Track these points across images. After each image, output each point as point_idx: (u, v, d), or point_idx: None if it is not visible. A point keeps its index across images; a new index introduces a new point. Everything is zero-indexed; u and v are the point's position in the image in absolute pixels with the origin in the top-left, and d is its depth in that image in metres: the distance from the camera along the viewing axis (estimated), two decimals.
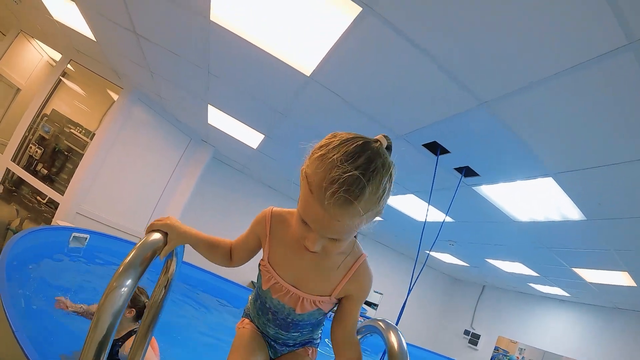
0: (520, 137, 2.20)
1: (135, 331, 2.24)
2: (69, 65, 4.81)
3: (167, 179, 5.65)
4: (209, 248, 1.05)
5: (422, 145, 2.76)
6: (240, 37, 2.36)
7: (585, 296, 5.38)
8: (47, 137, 5.05)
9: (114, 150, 4.78)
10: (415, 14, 1.63)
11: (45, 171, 4.92)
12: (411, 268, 7.90)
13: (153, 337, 1.12)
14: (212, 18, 2.29)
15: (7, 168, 4.62)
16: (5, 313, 1.56)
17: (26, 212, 4.76)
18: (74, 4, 3.00)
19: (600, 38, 1.39)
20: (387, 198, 0.72)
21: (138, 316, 2.28)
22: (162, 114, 5.22)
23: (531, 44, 1.54)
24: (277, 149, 4.50)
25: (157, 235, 0.87)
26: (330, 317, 1.00)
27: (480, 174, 2.84)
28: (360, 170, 0.65)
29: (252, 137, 4.44)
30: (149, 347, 1.26)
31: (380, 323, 0.96)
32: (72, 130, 5.10)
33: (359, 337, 1.01)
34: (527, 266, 4.95)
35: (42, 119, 4.99)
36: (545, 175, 2.50)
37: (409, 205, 4.32)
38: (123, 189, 5.06)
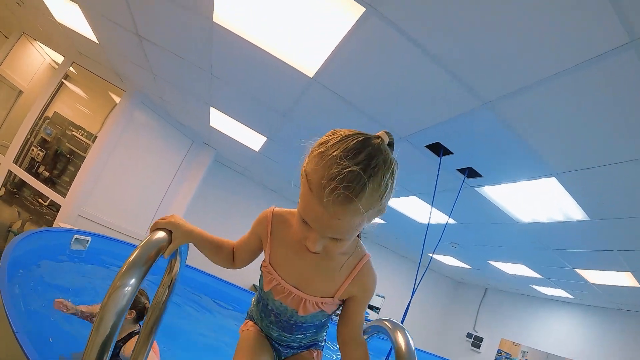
0: (523, 137, 2.20)
1: (136, 332, 2.23)
2: (71, 68, 4.83)
3: (169, 181, 5.65)
4: (213, 248, 1.03)
5: (425, 146, 2.75)
6: (243, 39, 2.36)
7: (588, 298, 5.36)
8: (49, 139, 5.05)
9: (116, 153, 4.78)
10: (419, 14, 1.63)
11: (47, 174, 4.92)
12: (413, 271, 7.96)
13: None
14: (215, 19, 2.29)
15: (9, 170, 4.62)
16: (7, 314, 1.55)
17: (27, 215, 4.76)
18: (76, 6, 3.01)
19: (602, 36, 1.39)
20: (390, 196, 0.70)
21: (138, 318, 2.28)
22: (164, 116, 5.22)
23: (533, 43, 1.54)
24: (279, 151, 4.49)
25: (161, 234, 0.85)
26: (334, 321, 0.99)
27: (483, 174, 2.83)
28: (360, 166, 0.63)
29: (254, 140, 4.43)
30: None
31: (387, 323, 0.95)
32: (74, 133, 5.10)
33: (365, 337, 0.99)
34: (530, 268, 4.93)
35: (44, 121, 4.99)
36: (549, 175, 2.49)
37: (412, 207, 4.30)
38: (125, 191, 5.06)
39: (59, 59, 5.01)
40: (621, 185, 2.30)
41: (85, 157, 4.68)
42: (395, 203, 4.36)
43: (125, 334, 2.20)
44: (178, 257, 0.99)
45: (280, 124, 3.55)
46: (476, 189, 3.11)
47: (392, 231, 5.95)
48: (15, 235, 3.34)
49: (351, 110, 2.68)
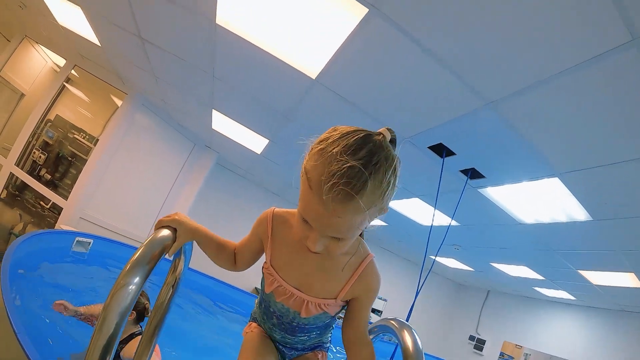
0: (526, 137, 2.19)
1: (137, 334, 2.22)
2: (73, 71, 4.84)
3: (170, 184, 5.65)
4: (216, 248, 1.01)
5: (428, 147, 2.74)
6: (245, 40, 2.36)
7: (591, 299, 5.33)
8: (50, 142, 5.06)
9: (118, 156, 4.79)
10: (421, 15, 1.64)
11: (49, 176, 4.92)
12: (415, 274, 7.95)
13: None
14: (218, 21, 2.29)
15: (10, 172, 4.62)
16: (8, 315, 1.55)
17: (29, 217, 4.76)
18: (79, 9, 3.02)
19: (603, 35, 1.39)
20: (392, 194, 0.69)
21: (138, 319, 2.26)
22: (166, 119, 5.23)
23: (535, 42, 1.54)
24: (281, 153, 4.49)
25: (165, 232, 0.84)
26: (339, 325, 0.97)
27: (486, 175, 2.82)
28: (361, 162, 0.62)
29: (256, 142, 4.43)
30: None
31: (393, 322, 0.93)
32: (75, 136, 5.12)
33: (371, 337, 0.98)
34: (532, 270, 4.91)
35: (46, 124, 5.01)
36: (552, 175, 2.48)
37: (414, 209, 4.29)
38: (127, 194, 5.06)
39: (61, 62, 5.02)
40: (624, 184, 2.30)
41: (87, 160, 4.68)
42: (398, 205, 4.35)
43: (126, 336, 2.19)
44: (182, 257, 0.97)
45: (282, 126, 3.55)
46: (479, 190, 3.10)
47: (394, 234, 5.94)
48: (17, 237, 3.34)
49: (354, 112, 2.67)
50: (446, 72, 1.91)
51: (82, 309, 2.39)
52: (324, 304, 0.90)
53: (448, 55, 1.81)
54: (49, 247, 3.12)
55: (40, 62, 5.73)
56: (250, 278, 6.51)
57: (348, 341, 0.92)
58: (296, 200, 0.72)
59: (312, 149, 0.69)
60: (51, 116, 5.09)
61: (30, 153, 4.92)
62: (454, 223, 4.11)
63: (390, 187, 0.66)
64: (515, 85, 1.82)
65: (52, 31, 4.13)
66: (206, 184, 6.08)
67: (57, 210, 4.61)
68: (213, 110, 4.03)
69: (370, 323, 1.00)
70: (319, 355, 1.09)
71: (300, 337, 1.01)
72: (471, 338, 7.42)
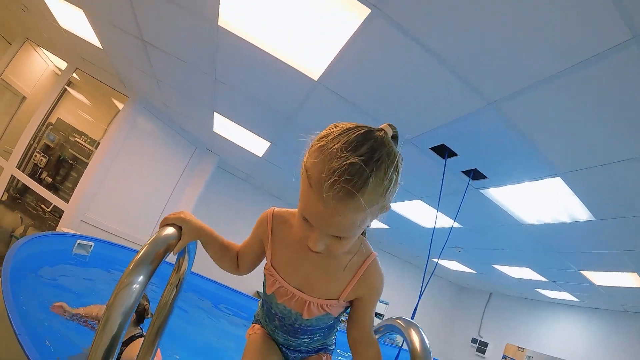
0: (528, 137, 2.19)
1: (137, 336, 2.20)
2: (74, 74, 4.85)
3: (172, 188, 5.64)
4: (220, 249, 0.99)
5: (430, 148, 2.74)
6: (248, 42, 2.36)
7: (593, 300, 5.31)
8: (52, 145, 5.07)
9: (119, 159, 4.79)
10: (423, 15, 1.64)
11: (50, 179, 4.92)
12: (417, 277, 7.93)
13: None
14: (220, 23, 2.29)
15: (11, 175, 4.62)
16: (9, 317, 1.54)
17: (30, 220, 4.76)
18: (81, 12, 3.02)
19: (604, 33, 1.40)
20: (394, 191, 0.67)
21: (138, 320, 2.25)
22: (168, 122, 5.23)
23: (536, 42, 1.55)
24: (282, 156, 4.49)
25: (170, 230, 0.82)
26: (342, 329, 0.96)
27: (488, 176, 2.81)
28: (362, 159, 0.60)
29: (257, 145, 4.43)
30: None
31: (399, 321, 0.93)
32: (77, 139, 5.12)
33: (377, 336, 0.97)
34: (535, 271, 4.89)
35: (47, 127, 5.01)
36: (554, 175, 2.47)
37: (416, 211, 4.28)
38: (128, 197, 5.05)
39: (63, 65, 5.03)
40: (626, 183, 2.29)
41: (88, 163, 4.68)
42: (399, 207, 4.34)
43: (126, 338, 2.17)
44: (186, 256, 0.96)
45: (284, 129, 3.55)
46: (481, 191, 3.10)
47: (395, 236, 5.92)
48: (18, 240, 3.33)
49: (356, 113, 2.67)
50: (448, 72, 1.92)
51: (80, 311, 2.39)
52: (326, 305, 0.89)
53: (450, 55, 1.81)
54: (50, 250, 3.11)
55: (41, 65, 5.75)
56: (253, 282, 6.50)
57: (353, 341, 0.91)
58: (297, 203, 0.71)
59: (312, 146, 0.68)
60: (52, 119, 5.10)
61: (31, 156, 4.92)
62: (456, 225, 4.10)
63: (392, 185, 0.65)
64: (517, 85, 1.83)
65: (54, 34, 4.14)
66: (207, 187, 6.08)
67: (58, 213, 4.61)
68: (214, 113, 4.03)
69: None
70: (324, 358, 1.07)
71: (303, 339, 1.00)
72: (473, 341, 7.39)
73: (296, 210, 0.74)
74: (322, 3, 1.83)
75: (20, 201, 5.02)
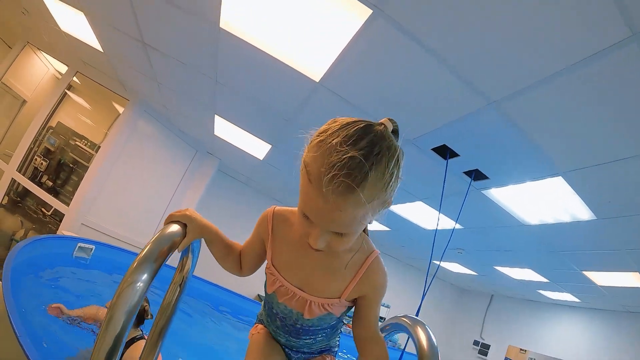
0: (529, 136, 2.19)
1: (137, 338, 2.18)
2: (74, 78, 4.86)
3: (172, 191, 5.64)
4: (224, 248, 0.98)
5: (431, 149, 2.74)
6: (249, 44, 2.37)
7: (595, 301, 5.30)
8: (52, 149, 5.07)
9: (120, 163, 4.78)
10: (424, 15, 1.65)
11: (50, 183, 4.91)
12: (419, 279, 7.90)
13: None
14: (221, 25, 2.30)
15: (12, 178, 4.62)
16: (10, 319, 1.53)
17: (30, 224, 4.75)
18: (82, 14, 3.03)
19: (603, 31, 1.40)
20: (396, 186, 0.66)
21: (138, 322, 2.23)
22: (168, 126, 5.23)
23: (536, 41, 1.55)
24: (283, 159, 4.48)
25: (175, 227, 0.81)
26: (346, 334, 0.95)
27: (489, 176, 2.81)
28: (362, 152, 0.59)
29: (258, 148, 4.42)
30: None
31: (405, 319, 0.92)
32: (77, 143, 5.12)
33: (382, 334, 0.95)
34: (536, 272, 4.88)
35: (47, 131, 5.01)
36: (555, 174, 2.47)
37: (417, 213, 4.28)
38: (129, 201, 5.05)
39: (63, 68, 5.04)
40: (628, 181, 2.29)
41: (88, 167, 4.68)
42: (401, 209, 4.34)
43: (127, 340, 2.15)
44: (190, 255, 0.95)
45: (285, 131, 3.55)
46: (482, 191, 3.09)
47: (396, 238, 5.91)
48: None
49: (357, 114, 2.63)
50: (449, 72, 1.92)
51: (77, 312, 2.38)
52: (328, 304, 0.87)
53: (450, 55, 1.82)
54: (51, 253, 3.11)
55: (42, 68, 5.76)
56: (255, 284, 6.48)
57: (359, 339, 0.90)
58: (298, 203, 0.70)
59: (311, 141, 0.67)
60: (53, 123, 5.10)
61: (31, 160, 4.92)
62: (457, 226, 4.09)
63: (393, 179, 0.64)
64: (517, 85, 1.83)
65: (54, 37, 4.15)
66: (208, 191, 6.07)
67: (58, 217, 4.60)
68: (215, 115, 4.03)
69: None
70: (328, 359, 1.06)
71: (305, 340, 0.99)
72: (475, 343, 7.37)
73: (297, 208, 0.73)
74: (324, 4, 1.83)
75: (20, 205, 5.01)
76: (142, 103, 4.75)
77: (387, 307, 7.71)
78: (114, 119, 5.03)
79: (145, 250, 0.71)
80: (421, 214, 4.27)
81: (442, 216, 3.89)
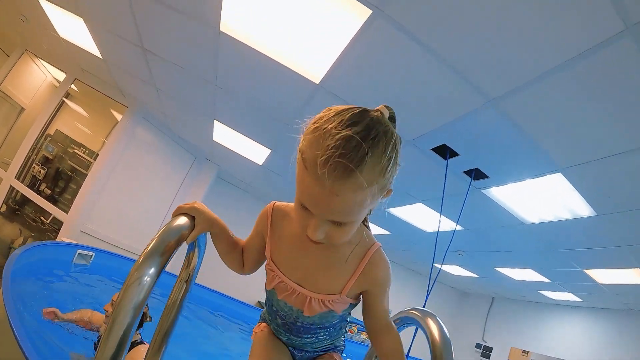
0: (527, 133, 2.20)
1: (137, 342, 2.15)
2: (72, 86, 4.86)
3: (171, 198, 5.63)
4: (230, 244, 0.96)
5: (431, 149, 2.75)
6: (249, 47, 2.38)
7: (597, 300, 5.29)
8: (50, 157, 5.06)
9: (118, 170, 4.78)
10: (422, 14, 1.66)
11: (49, 191, 4.90)
12: (420, 283, 7.86)
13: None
14: (222, 28, 2.30)
15: (10, 186, 4.60)
16: (10, 322, 1.52)
17: (29, 232, 4.72)
18: (81, 20, 3.03)
19: (598, 26, 1.42)
20: (394, 172, 0.65)
21: (137, 325, 2.20)
22: (167, 132, 5.24)
23: (532, 37, 1.57)
24: (283, 163, 4.48)
25: (183, 219, 0.79)
26: (350, 339, 0.93)
27: (489, 175, 2.82)
28: (359, 136, 0.58)
29: (257, 153, 4.42)
30: None
31: (415, 312, 0.91)
32: (75, 151, 5.11)
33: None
34: (537, 272, 4.88)
35: (45, 139, 5.00)
36: (554, 171, 2.48)
37: (418, 215, 4.28)
38: (128, 208, 5.03)
39: (61, 76, 5.05)
40: (626, 176, 2.29)
41: (87, 175, 4.66)
42: (401, 212, 4.33)
43: None
44: (196, 250, 0.93)
45: (284, 135, 3.54)
46: (482, 190, 3.10)
47: (397, 242, 5.89)
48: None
49: None
50: (448, 71, 1.93)
51: (71, 315, 2.36)
52: (329, 301, 0.85)
53: (449, 53, 1.83)
54: (50, 259, 3.08)
55: (40, 76, 5.76)
56: (258, 290, 6.43)
57: (371, 332, 0.90)
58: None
59: (306, 129, 0.66)
60: (51, 131, 5.09)
61: (30, 168, 4.90)
62: (458, 227, 4.08)
63: (391, 164, 0.62)
64: (515, 82, 1.84)
65: (53, 44, 4.15)
66: (207, 197, 6.05)
67: (57, 225, 4.58)
68: (215, 121, 4.03)
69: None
70: (335, 357, 1.04)
71: (307, 338, 0.97)
72: (478, 346, 7.33)
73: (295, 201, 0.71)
74: (324, 5, 1.85)
75: (19, 213, 4.98)
76: (140, 110, 4.75)
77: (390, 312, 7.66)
78: (112, 126, 5.03)
79: (153, 243, 0.68)
80: (421, 216, 4.27)
81: (442, 218, 3.89)
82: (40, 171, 4.91)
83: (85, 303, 3.13)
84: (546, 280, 5.06)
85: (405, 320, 0.96)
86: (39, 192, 4.76)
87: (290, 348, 1.03)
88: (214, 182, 6.15)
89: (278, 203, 0.93)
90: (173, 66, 3.13)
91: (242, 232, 0.95)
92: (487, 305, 7.69)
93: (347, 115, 0.61)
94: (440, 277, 7.45)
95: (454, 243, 4.52)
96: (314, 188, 0.61)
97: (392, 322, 0.90)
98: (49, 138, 5.05)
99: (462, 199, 3.05)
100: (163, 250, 0.69)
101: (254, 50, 2.39)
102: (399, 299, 7.55)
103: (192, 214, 0.84)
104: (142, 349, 2.12)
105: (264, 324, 1.08)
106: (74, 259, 3.39)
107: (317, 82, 2.47)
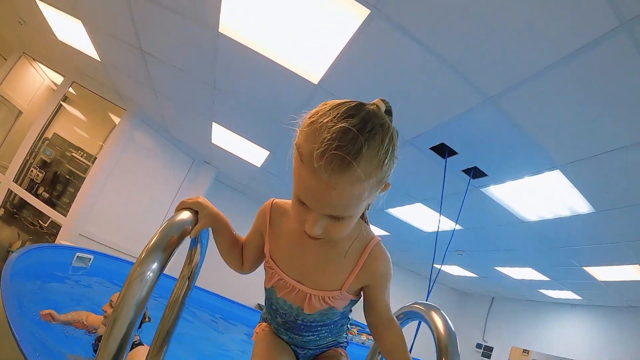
0: (525, 130, 2.21)
1: (136, 344, 2.14)
2: (70, 89, 4.85)
3: (170, 201, 5.61)
4: (231, 241, 0.96)
5: (430, 148, 2.76)
6: (248, 48, 2.38)
7: (597, 297, 5.30)
8: (48, 160, 5.04)
9: (117, 173, 4.77)
10: (421, 13, 1.67)
11: (47, 195, 4.88)
12: (419, 285, 7.85)
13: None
14: (220, 30, 2.31)
15: (8, 189, 4.58)
16: (10, 325, 1.51)
17: (27, 235, 4.70)
18: (80, 23, 3.03)
19: (593, 22, 1.43)
20: (392, 165, 0.64)
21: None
22: (165, 135, 5.23)
23: (528, 35, 1.58)
24: (281, 165, 4.46)
25: (186, 214, 0.78)
26: (355, 337, 0.92)
27: (488, 173, 2.83)
28: (355, 128, 0.57)
29: (256, 155, 4.42)
30: None
31: (418, 306, 0.90)
32: (73, 154, 5.10)
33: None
34: (537, 270, 4.88)
35: (43, 142, 4.99)
36: (553, 167, 2.49)
37: (417, 215, 4.28)
38: (126, 211, 5.02)
39: (59, 79, 5.04)
40: (623, 172, 2.30)
41: (85, 178, 4.65)
42: (400, 212, 4.34)
43: None
44: (198, 246, 0.92)
45: (283, 136, 3.55)
46: (481, 189, 3.10)
47: (396, 243, 5.89)
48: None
49: None
50: (446, 69, 1.94)
51: (68, 316, 2.35)
52: (329, 297, 0.84)
53: (447, 52, 1.84)
54: (49, 262, 3.07)
55: (37, 79, 5.75)
56: (257, 291, 6.42)
57: (372, 327, 0.89)
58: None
59: (302, 124, 0.66)
60: (49, 134, 5.08)
61: (27, 171, 4.89)
62: (457, 227, 4.08)
63: (388, 157, 0.62)
64: (512, 79, 1.86)
65: (51, 47, 4.15)
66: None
67: (55, 228, 4.56)
68: (213, 123, 4.03)
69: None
70: (341, 352, 1.03)
71: (308, 336, 0.96)
72: (478, 346, 7.32)
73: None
74: (322, 5, 1.85)
75: (17, 216, 4.96)
76: (138, 112, 4.75)
77: None
78: (110, 129, 5.01)
79: (155, 238, 0.67)
80: (421, 216, 4.27)
81: (442, 217, 3.89)
82: (38, 175, 4.89)
83: (84, 305, 3.12)
84: (546, 278, 5.07)
85: (408, 314, 0.95)
86: (37, 196, 4.75)
87: (292, 347, 1.02)
88: (213, 184, 6.14)
89: (277, 200, 0.93)
90: (171, 68, 3.13)
91: (241, 234, 0.95)
92: (487, 305, 7.69)
93: (343, 109, 0.61)
94: (439, 278, 7.45)
95: (453, 243, 4.52)
96: (311, 182, 0.60)
97: (394, 317, 0.89)
98: (46, 141, 5.04)
99: (461, 198, 3.06)
100: (166, 245, 0.68)
101: (253, 51, 2.40)
102: (398, 300, 7.54)
103: (196, 209, 0.83)
104: (142, 350, 2.11)
105: (264, 324, 1.07)
106: (73, 262, 3.37)
107: (316, 82, 2.48)
